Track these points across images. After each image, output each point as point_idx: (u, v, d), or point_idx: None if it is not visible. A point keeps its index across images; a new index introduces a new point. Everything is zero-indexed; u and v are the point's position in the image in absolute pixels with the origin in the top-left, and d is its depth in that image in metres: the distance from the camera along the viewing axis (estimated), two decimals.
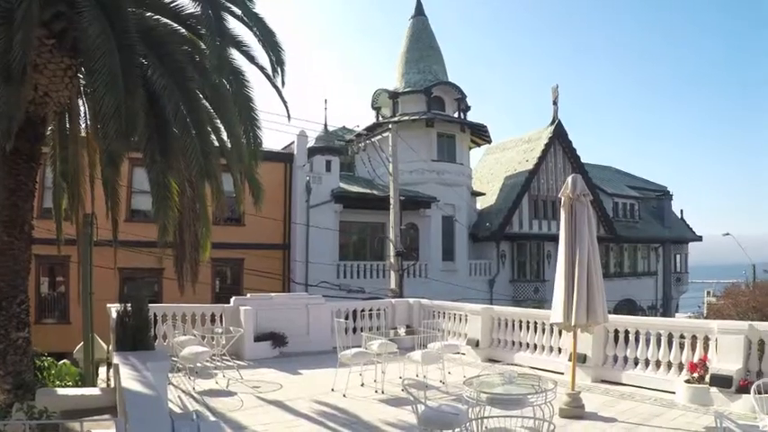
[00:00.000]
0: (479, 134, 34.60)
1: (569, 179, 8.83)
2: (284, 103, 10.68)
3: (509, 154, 37.14)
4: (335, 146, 28.05)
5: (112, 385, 8.10)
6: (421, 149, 30.08)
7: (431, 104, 31.77)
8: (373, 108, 33.93)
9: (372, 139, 26.37)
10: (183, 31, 10.30)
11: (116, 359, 7.34)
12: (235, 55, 10.16)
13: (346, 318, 14.16)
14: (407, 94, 32.25)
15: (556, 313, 8.61)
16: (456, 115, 33.18)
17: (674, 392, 9.35)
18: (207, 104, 9.99)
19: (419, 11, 34.71)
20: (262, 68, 10.51)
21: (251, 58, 10.51)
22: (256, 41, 9.98)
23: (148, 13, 10.15)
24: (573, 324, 8.43)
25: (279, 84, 10.21)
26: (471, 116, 34.06)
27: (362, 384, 10.20)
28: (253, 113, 10.36)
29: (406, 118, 30.84)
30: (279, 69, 10.03)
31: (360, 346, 10.62)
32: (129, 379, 6.00)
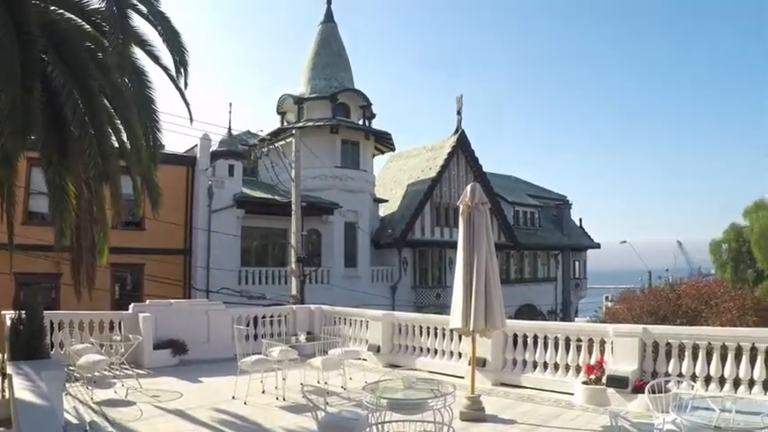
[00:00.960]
0: (383, 141, 34.86)
1: (468, 187, 9.02)
2: (187, 105, 10.42)
3: (413, 162, 37.58)
4: (239, 150, 27.61)
5: (6, 396, 7.73)
6: (325, 156, 30.02)
7: (336, 111, 31.75)
8: (278, 113, 33.62)
9: (276, 145, 26.11)
10: (87, 27, 9.84)
11: (9, 369, 7.03)
12: (138, 54, 9.83)
13: (247, 324, 14.00)
14: (313, 99, 32.13)
15: (455, 319, 8.73)
16: (361, 122, 33.33)
17: (572, 394, 9.66)
18: (107, 104, 9.65)
19: (329, 17, 34.67)
20: (165, 69, 10.22)
21: (155, 58, 10.20)
22: (161, 41, 9.72)
23: (52, 7, 9.67)
24: (471, 329, 8.58)
25: (182, 85, 9.94)
26: (376, 124, 34.29)
27: (263, 392, 10.13)
28: (154, 115, 10.07)
29: (311, 124, 30.78)
30: (182, 70, 9.79)
31: (261, 353, 10.52)
32: (22, 390, 5.76)
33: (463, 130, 35.43)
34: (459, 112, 35.44)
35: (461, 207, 8.93)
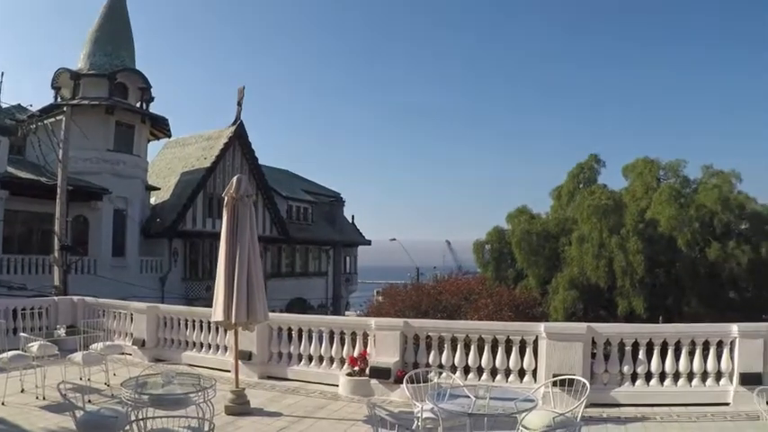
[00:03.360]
0: (160, 127, 33.76)
1: (234, 179, 9.07)
2: None
3: (189, 150, 36.83)
4: (6, 125, 25.36)
5: None
6: (98, 138, 28.52)
7: (114, 91, 30.19)
8: (53, 88, 30.92)
9: (46, 122, 24.37)
10: None
11: None
12: None
13: (7, 318, 13.10)
14: (91, 76, 30.20)
15: (217, 312, 8.73)
16: (139, 105, 32.00)
17: (337, 385, 10.04)
18: None
19: None
20: None
21: None
22: None
23: None
24: (233, 322, 8.65)
25: None
26: (155, 108, 33.25)
27: (23, 390, 9.65)
28: None
29: (86, 102, 29.04)
30: None
31: (19, 349, 10.00)
32: None
33: (242, 121, 35.45)
34: (239, 103, 35.40)
35: (226, 199, 8.93)
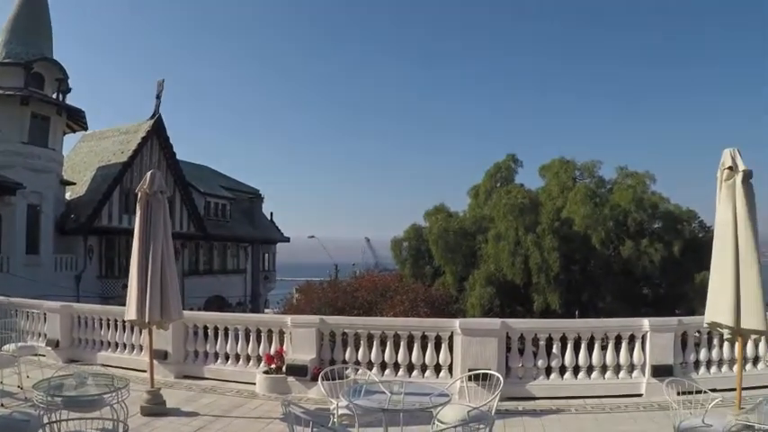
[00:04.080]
0: (77, 119, 33.09)
1: (148, 174, 8.80)
2: None
3: (105, 144, 36.00)
4: None
5: None
6: (12, 129, 27.90)
7: (29, 81, 29.32)
8: None
9: None
10: None
11: None
12: None
13: None
14: (6, 65, 29.27)
15: (130, 310, 8.51)
16: (55, 96, 31.22)
17: (254, 384, 10.01)
18: None
19: None
20: None
21: None
22: None
23: None
24: (147, 321, 8.46)
25: None
26: (71, 100, 32.44)
27: None
28: None
29: (1, 92, 28.18)
30: None
31: None
32: None
33: (160, 115, 35.03)
34: (158, 96, 34.98)
35: (139, 194, 8.67)
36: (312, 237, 58.84)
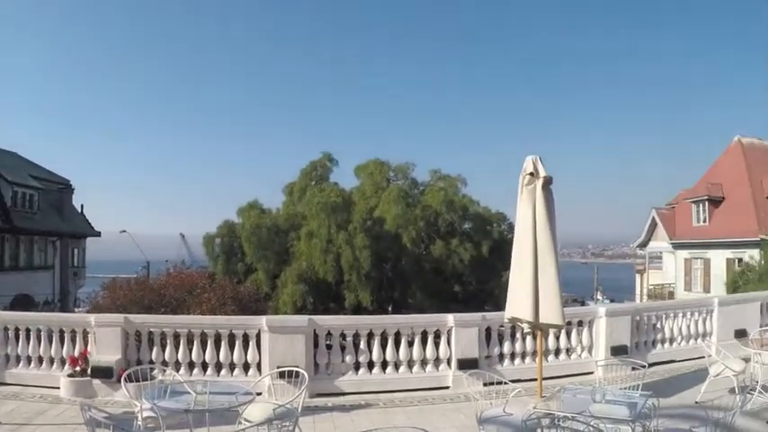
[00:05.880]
0: None
1: None
2: None
3: None
4: None
5: None
6: None
7: None
8: None
9: None
10: None
11: None
12: None
13: None
14: None
15: None
16: None
17: (59, 388, 9.40)
18: None
19: None
20: None
21: None
22: None
23: None
24: None
25: None
26: None
27: None
28: None
29: None
30: None
31: None
32: None
33: None
34: None
35: None
36: (124, 231, 56.17)
